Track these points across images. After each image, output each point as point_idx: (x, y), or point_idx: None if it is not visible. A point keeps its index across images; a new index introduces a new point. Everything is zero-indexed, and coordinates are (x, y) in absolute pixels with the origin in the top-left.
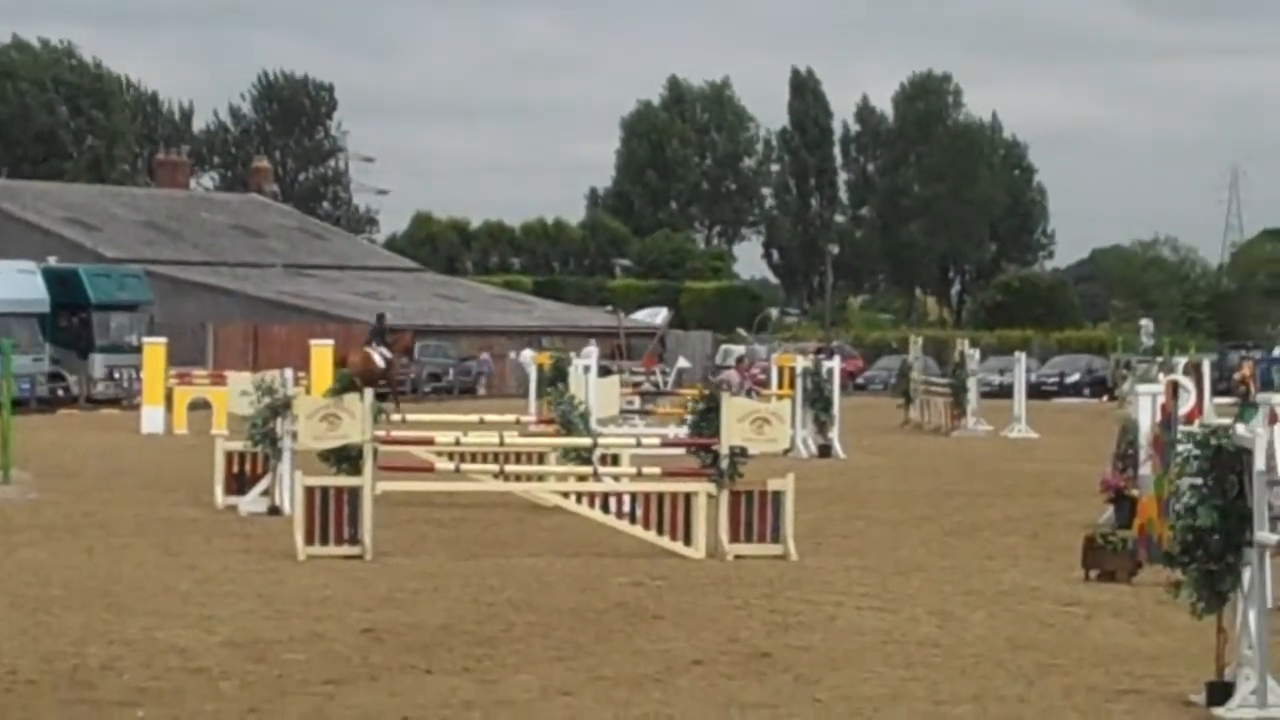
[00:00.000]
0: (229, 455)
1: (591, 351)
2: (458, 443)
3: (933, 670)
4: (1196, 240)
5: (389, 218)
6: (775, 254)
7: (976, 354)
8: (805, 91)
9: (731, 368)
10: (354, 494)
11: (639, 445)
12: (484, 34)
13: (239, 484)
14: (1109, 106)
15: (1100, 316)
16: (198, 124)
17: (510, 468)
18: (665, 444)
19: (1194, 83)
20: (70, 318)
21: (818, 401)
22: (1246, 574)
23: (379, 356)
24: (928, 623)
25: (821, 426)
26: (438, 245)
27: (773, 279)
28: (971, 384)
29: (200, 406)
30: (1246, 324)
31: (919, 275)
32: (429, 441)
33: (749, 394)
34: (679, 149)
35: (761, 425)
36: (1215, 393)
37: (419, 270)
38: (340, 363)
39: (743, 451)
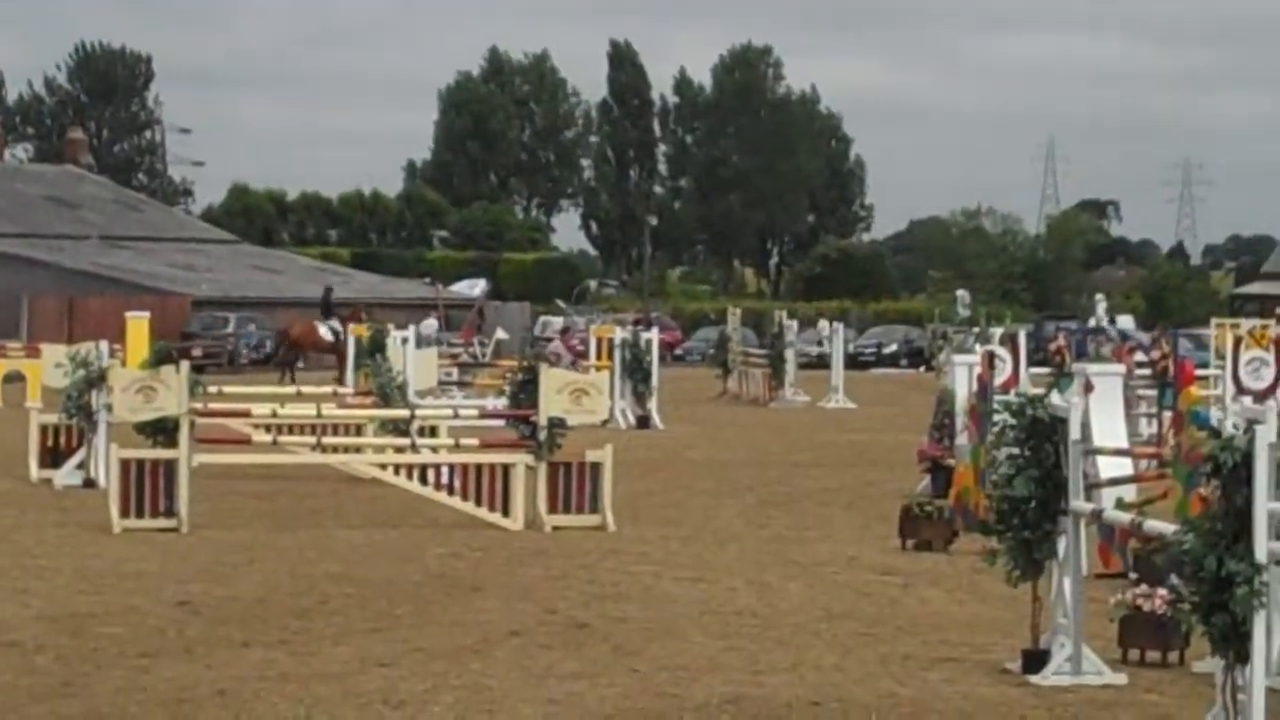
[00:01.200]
0: (44, 428)
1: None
2: (274, 415)
3: (750, 640)
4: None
5: (206, 189)
6: (594, 225)
7: (794, 325)
8: (624, 63)
9: (555, 339)
10: (170, 467)
11: (457, 417)
12: (301, 4)
13: (54, 457)
14: (928, 78)
15: (918, 288)
16: (11, 94)
17: (328, 440)
18: (483, 415)
19: (1012, 54)
20: None
21: (636, 373)
22: (1062, 542)
23: (327, 329)
24: (745, 593)
25: (640, 398)
26: (254, 217)
27: (591, 250)
28: (789, 355)
29: (15, 379)
30: (1063, 295)
31: (737, 247)
32: (245, 414)
33: (573, 365)
34: (499, 121)
35: (580, 396)
36: (1031, 363)
37: (235, 242)
38: (284, 335)
39: (561, 423)
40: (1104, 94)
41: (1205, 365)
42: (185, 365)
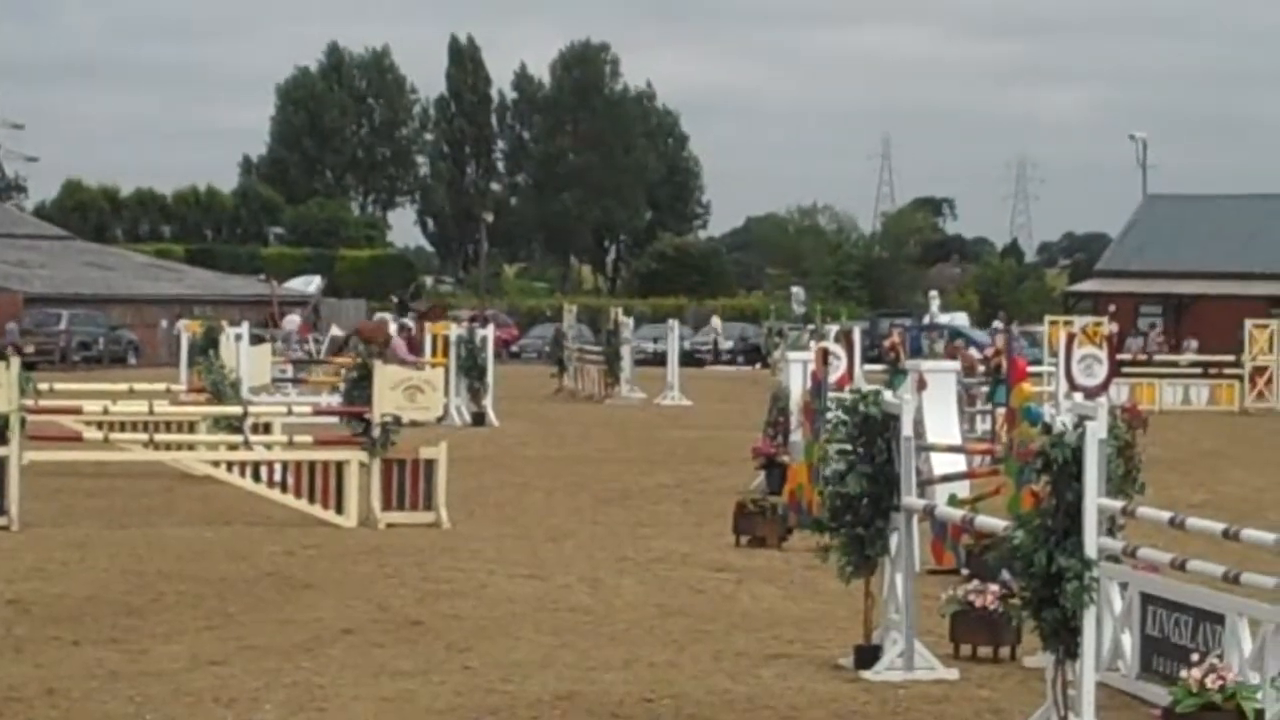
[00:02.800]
0: None
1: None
2: (106, 412)
3: (583, 637)
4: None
5: (39, 184)
6: (430, 222)
7: (630, 322)
8: (464, 59)
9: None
10: (0, 464)
11: (291, 413)
12: None
13: None
14: (765, 75)
15: (754, 284)
16: None
17: (160, 436)
18: (317, 412)
19: (849, 50)
20: None
21: (472, 369)
22: (894, 539)
23: (396, 326)
24: (579, 589)
25: (475, 395)
26: (88, 213)
27: (428, 247)
28: (625, 351)
29: None
30: (897, 292)
31: (574, 243)
32: (77, 411)
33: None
34: (335, 116)
35: (414, 393)
36: (866, 360)
37: (68, 238)
38: (356, 332)
39: (395, 420)
40: (940, 90)
41: (1039, 362)
42: (16, 362)
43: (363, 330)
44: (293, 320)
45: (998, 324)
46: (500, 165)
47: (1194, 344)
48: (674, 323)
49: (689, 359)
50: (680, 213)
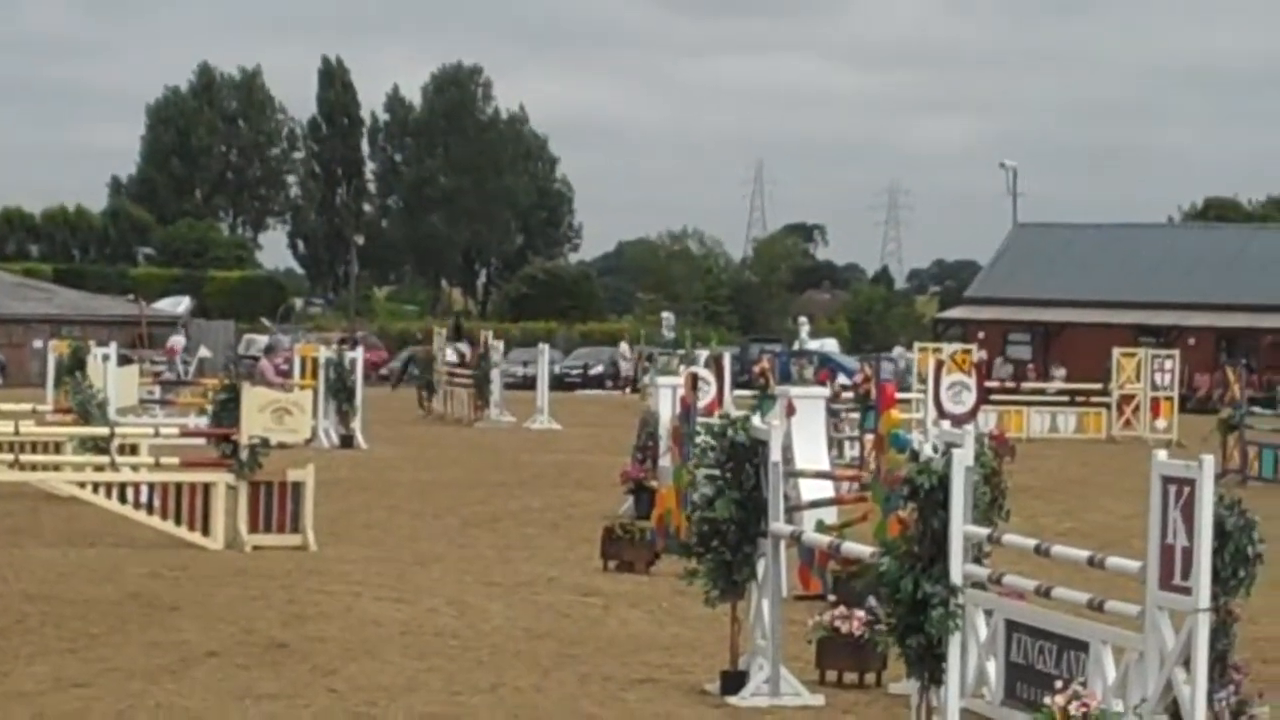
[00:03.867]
0: None
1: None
2: None
3: (450, 660)
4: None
5: None
6: (301, 244)
7: (500, 345)
8: (334, 81)
9: (260, 357)
10: None
11: (158, 435)
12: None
13: None
14: (636, 100)
15: (625, 309)
16: None
17: (25, 457)
18: (184, 434)
19: (721, 78)
20: None
21: (340, 392)
22: (761, 564)
23: (453, 351)
24: (446, 613)
25: (344, 417)
26: None
27: (298, 268)
28: (495, 375)
29: None
30: (768, 317)
31: (445, 266)
32: None
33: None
34: (205, 137)
35: (282, 415)
36: (735, 385)
37: None
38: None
39: (263, 442)
40: (813, 118)
41: (908, 388)
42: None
43: (418, 353)
44: (178, 340)
45: (899, 350)
46: (371, 187)
47: (1062, 372)
48: (544, 346)
49: (559, 383)
50: (551, 236)
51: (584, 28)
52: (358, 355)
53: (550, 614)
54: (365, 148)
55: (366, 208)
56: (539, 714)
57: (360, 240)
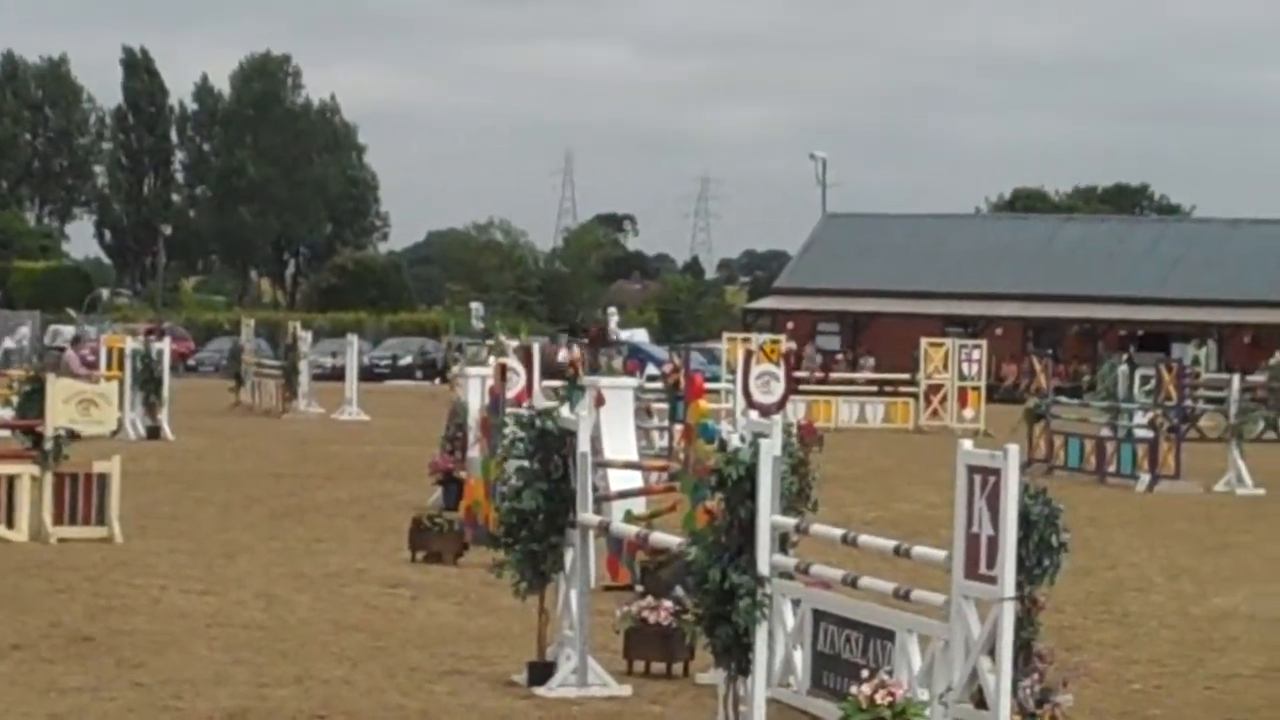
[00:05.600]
0: None
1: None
2: None
3: (257, 653)
4: (531, 224)
5: None
6: (108, 234)
7: (309, 336)
8: (140, 70)
9: (66, 348)
10: None
11: None
12: None
13: None
14: (445, 89)
15: (435, 299)
16: None
17: None
18: None
19: (528, 66)
20: None
21: (148, 383)
22: (569, 555)
23: (564, 351)
24: (253, 605)
25: (151, 408)
26: None
27: (105, 259)
28: (303, 366)
29: None
30: (578, 308)
31: (253, 257)
32: None
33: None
34: (10, 126)
35: (88, 406)
36: (544, 376)
37: None
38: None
39: (69, 433)
40: (623, 108)
41: (717, 379)
42: None
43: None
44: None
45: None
46: (180, 177)
47: (871, 361)
48: (353, 337)
49: (368, 374)
50: (360, 226)
51: (392, 16)
52: (165, 346)
53: (358, 606)
54: (174, 137)
55: (175, 198)
56: (346, 706)
57: (168, 230)
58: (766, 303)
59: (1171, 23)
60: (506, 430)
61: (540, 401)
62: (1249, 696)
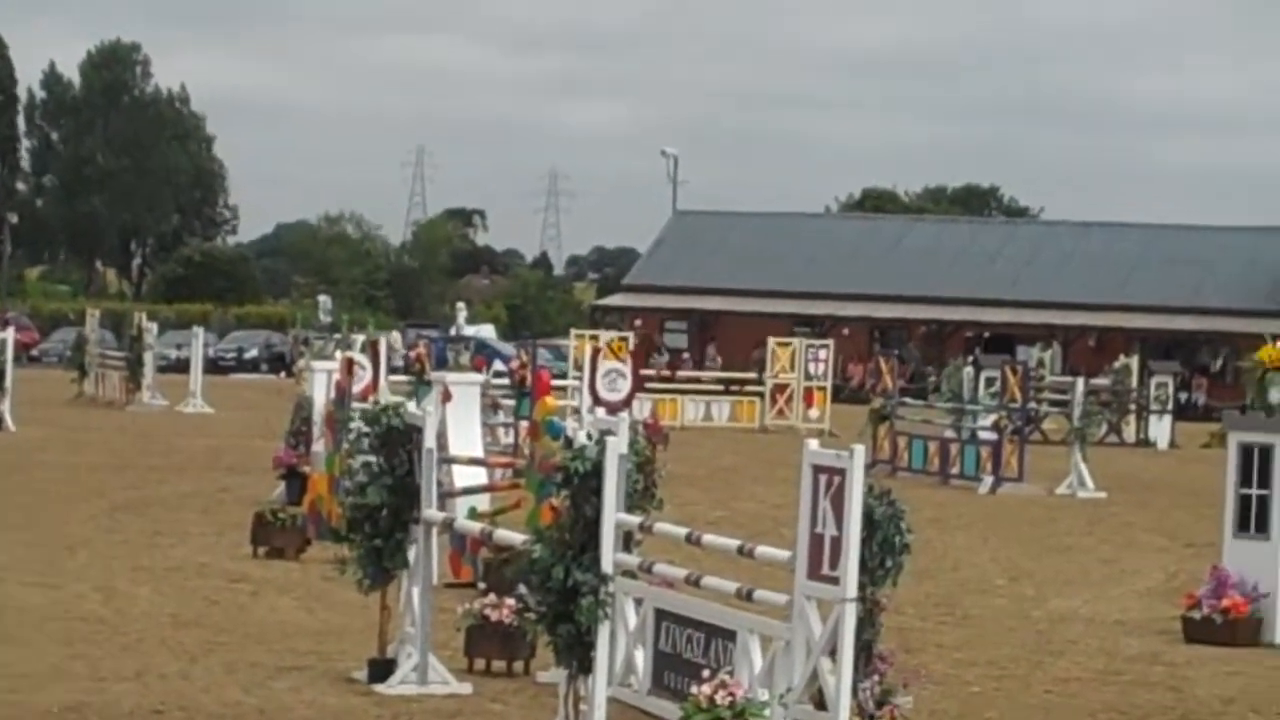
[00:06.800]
0: None
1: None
2: None
3: (95, 647)
4: (382, 217)
5: None
6: None
7: (154, 328)
8: None
9: None
10: None
11: None
12: None
13: None
14: (296, 80)
15: (283, 292)
16: None
17: None
18: None
19: (379, 58)
20: None
21: None
22: (413, 551)
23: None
24: (93, 599)
25: None
26: None
27: None
28: (148, 358)
29: None
30: (427, 302)
31: (100, 247)
32: None
33: None
34: None
35: None
36: (392, 370)
37: None
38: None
39: None
40: (474, 101)
41: (564, 375)
42: None
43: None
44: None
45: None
46: (26, 165)
47: (718, 360)
48: (199, 329)
49: (214, 366)
50: (208, 218)
51: (242, 7)
52: (8, 336)
53: (199, 600)
54: (21, 125)
55: (21, 186)
56: (184, 702)
57: (14, 219)
58: (615, 300)
59: (1024, 25)
60: (352, 425)
61: (386, 396)
62: (1086, 700)
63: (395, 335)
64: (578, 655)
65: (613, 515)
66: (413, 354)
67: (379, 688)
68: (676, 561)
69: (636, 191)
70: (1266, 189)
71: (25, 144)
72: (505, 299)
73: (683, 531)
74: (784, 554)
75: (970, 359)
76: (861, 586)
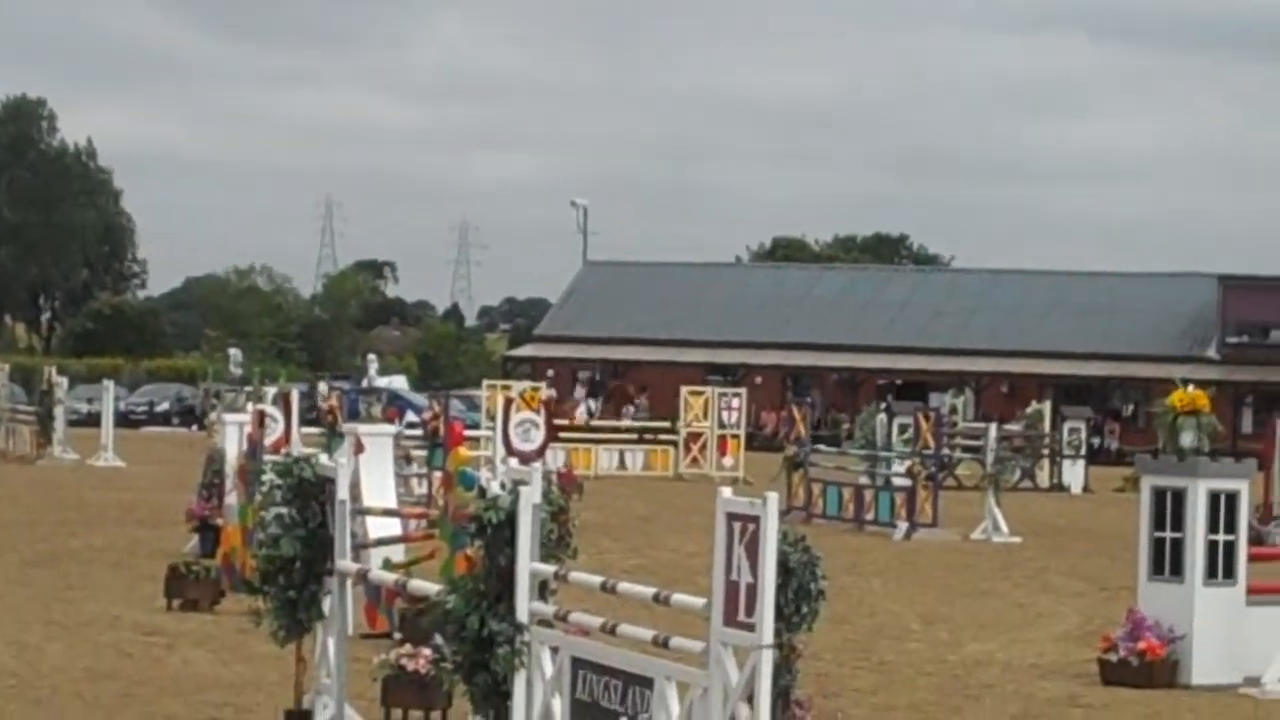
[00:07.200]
0: None
1: None
2: None
3: (8, 701)
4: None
5: None
6: None
7: (65, 381)
8: None
9: None
10: None
11: None
12: None
13: None
14: (203, 134)
15: (193, 345)
16: None
17: None
18: None
19: (291, 112)
20: None
21: None
22: (327, 602)
23: (584, 408)
24: (4, 653)
25: None
26: None
27: None
28: (59, 411)
29: None
30: (338, 354)
31: (8, 301)
32: None
33: None
34: None
35: None
36: (304, 422)
37: None
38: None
39: None
40: (384, 154)
41: (477, 426)
42: None
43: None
44: None
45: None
46: None
47: (631, 409)
48: (109, 383)
49: (124, 420)
50: (117, 271)
51: (148, 62)
52: None
53: (112, 653)
54: None
55: None
56: None
57: None
58: (527, 350)
59: (930, 75)
60: (265, 477)
61: (298, 448)
62: None
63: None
64: (494, 704)
65: (527, 564)
66: (325, 405)
67: None
68: (592, 610)
69: (547, 243)
70: (1175, 236)
71: None
72: (416, 350)
73: (598, 580)
74: (699, 601)
75: (883, 406)
76: (777, 633)
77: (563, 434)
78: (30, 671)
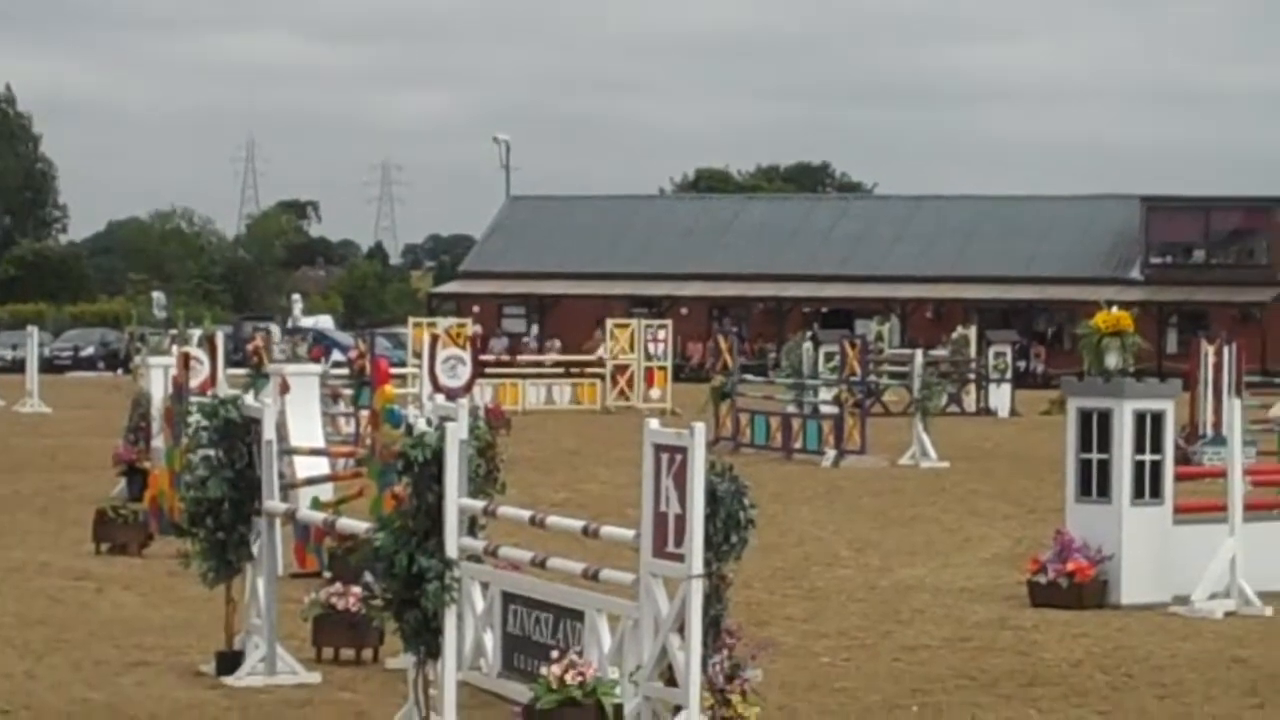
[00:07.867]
0: None
1: None
2: None
3: None
4: (215, 212)
5: None
6: None
7: None
8: None
9: None
10: None
11: None
12: None
13: None
14: (122, 79)
15: (117, 290)
16: None
17: None
18: None
19: (208, 54)
20: None
21: None
22: (256, 543)
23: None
24: None
25: None
26: None
27: None
28: None
29: None
30: (262, 295)
31: None
32: None
33: None
34: None
35: None
36: (230, 364)
37: None
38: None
39: None
40: (303, 93)
41: (403, 363)
42: None
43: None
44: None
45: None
46: None
47: (557, 343)
48: (33, 329)
49: (49, 365)
50: (38, 217)
51: (66, 7)
52: None
53: (41, 599)
54: None
55: None
56: (31, 700)
57: None
58: (452, 287)
59: (850, 2)
60: (191, 419)
61: (224, 390)
62: (935, 667)
63: (274, 328)
64: (425, 641)
65: (455, 500)
66: (250, 346)
67: (227, 680)
68: (522, 544)
69: (470, 179)
70: (1097, 158)
71: None
72: (342, 289)
73: (527, 514)
74: (629, 533)
75: (809, 334)
76: (707, 563)
77: (489, 370)
78: None
